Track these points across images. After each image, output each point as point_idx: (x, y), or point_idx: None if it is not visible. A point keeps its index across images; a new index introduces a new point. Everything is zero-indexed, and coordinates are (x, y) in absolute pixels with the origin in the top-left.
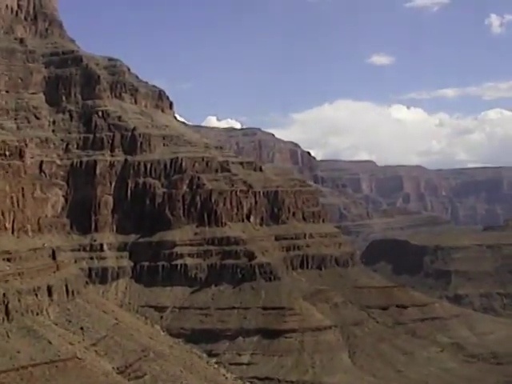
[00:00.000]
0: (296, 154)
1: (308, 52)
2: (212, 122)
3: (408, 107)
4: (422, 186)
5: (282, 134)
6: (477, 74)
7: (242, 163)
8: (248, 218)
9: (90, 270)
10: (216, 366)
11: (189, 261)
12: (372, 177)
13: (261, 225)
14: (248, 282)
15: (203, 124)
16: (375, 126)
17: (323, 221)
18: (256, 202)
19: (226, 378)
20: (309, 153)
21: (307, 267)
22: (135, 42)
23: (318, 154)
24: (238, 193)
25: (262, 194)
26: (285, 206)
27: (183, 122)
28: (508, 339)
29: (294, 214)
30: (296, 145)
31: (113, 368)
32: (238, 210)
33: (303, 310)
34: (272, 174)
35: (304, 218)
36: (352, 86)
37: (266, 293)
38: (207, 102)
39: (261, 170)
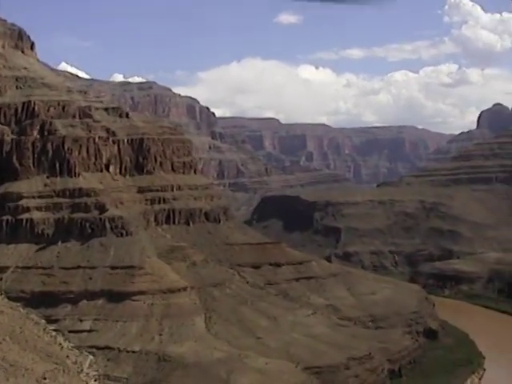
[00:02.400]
0: (194, 110)
1: (216, 11)
2: (118, 79)
3: (316, 67)
4: (326, 145)
5: (188, 93)
6: (382, 35)
7: (106, 109)
8: (107, 167)
9: None
10: (54, 333)
11: (36, 215)
12: (275, 134)
13: (124, 175)
14: (97, 238)
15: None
16: (283, 86)
17: (195, 172)
18: (119, 151)
19: (62, 347)
20: (208, 108)
21: (174, 222)
22: None
23: (225, 112)
24: (96, 140)
25: (125, 141)
26: (151, 155)
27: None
28: (389, 300)
29: (161, 164)
30: (194, 100)
31: None
32: (95, 159)
33: (155, 270)
34: (139, 121)
35: (173, 169)
36: (261, 45)
37: (116, 250)
38: (114, 60)
39: (127, 116)
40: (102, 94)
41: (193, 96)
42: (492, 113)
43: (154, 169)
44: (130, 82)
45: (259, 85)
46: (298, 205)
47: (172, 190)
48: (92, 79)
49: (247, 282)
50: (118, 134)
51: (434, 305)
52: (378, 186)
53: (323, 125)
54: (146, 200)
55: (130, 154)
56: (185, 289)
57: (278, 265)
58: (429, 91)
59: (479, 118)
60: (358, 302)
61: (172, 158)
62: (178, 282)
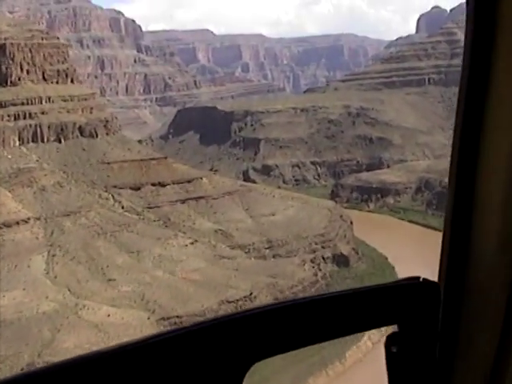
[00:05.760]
0: (118, 23)
1: None
2: None
3: None
4: (262, 55)
5: (127, 9)
6: None
7: None
8: None
9: None
10: None
11: None
12: (209, 46)
13: None
14: None
15: None
16: None
17: (72, 81)
18: None
19: None
20: (133, 21)
21: (42, 140)
22: None
23: (163, 28)
24: None
25: None
26: (15, 62)
27: None
28: (292, 221)
29: (28, 72)
30: (119, 12)
31: None
32: None
33: None
34: (3, 25)
35: (44, 78)
36: None
37: None
38: None
39: None
40: (15, 8)
41: (129, 11)
42: (430, 16)
43: (19, 79)
44: None
45: None
46: (215, 116)
47: (40, 103)
48: None
49: (122, 207)
50: None
51: (351, 223)
52: (304, 92)
53: (259, 35)
54: (9, 116)
55: None
56: (26, 221)
57: (162, 184)
58: None
59: (418, 22)
60: (256, 225)
61: (43, 66)
62: (18, 212)
